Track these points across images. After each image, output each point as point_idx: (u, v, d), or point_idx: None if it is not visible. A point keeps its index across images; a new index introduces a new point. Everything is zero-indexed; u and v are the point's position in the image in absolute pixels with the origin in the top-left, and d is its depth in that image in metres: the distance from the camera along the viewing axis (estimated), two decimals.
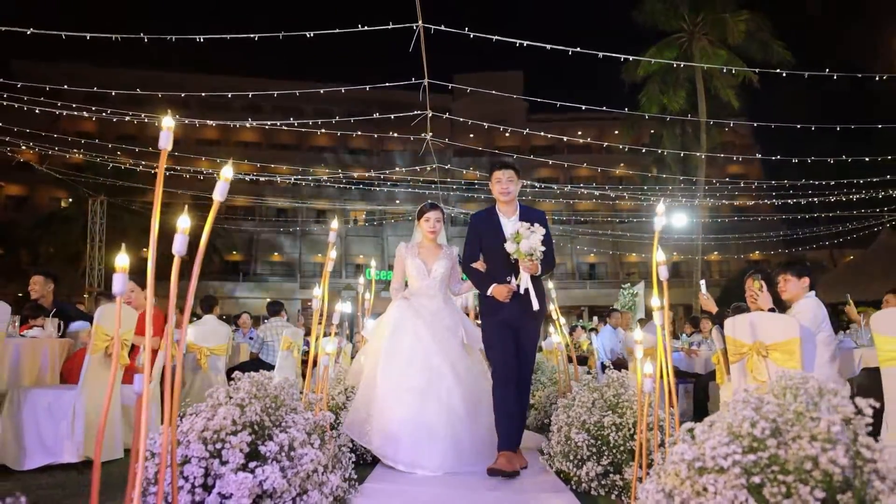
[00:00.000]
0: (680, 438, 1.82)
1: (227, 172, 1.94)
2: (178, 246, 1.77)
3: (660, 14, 19.67)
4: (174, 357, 2.25)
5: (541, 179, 31.77)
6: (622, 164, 31.03)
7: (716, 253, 31.49)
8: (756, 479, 1.39)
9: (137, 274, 3.22)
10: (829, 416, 1.36)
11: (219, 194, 1.93)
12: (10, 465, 3.28)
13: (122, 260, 1.72)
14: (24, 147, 14.26)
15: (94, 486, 1.53)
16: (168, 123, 1.86)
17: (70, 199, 27.14)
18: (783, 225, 26.75)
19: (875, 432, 2.72)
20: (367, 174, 25.94)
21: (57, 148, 14.43)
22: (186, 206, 1.95)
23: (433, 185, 20.50)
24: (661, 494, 1.72)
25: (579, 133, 35.26)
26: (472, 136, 31.97)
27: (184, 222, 1.80)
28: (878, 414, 2.95)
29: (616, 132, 28.25)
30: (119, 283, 1.68)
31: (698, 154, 19.03)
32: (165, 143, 1.86)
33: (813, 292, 3.45)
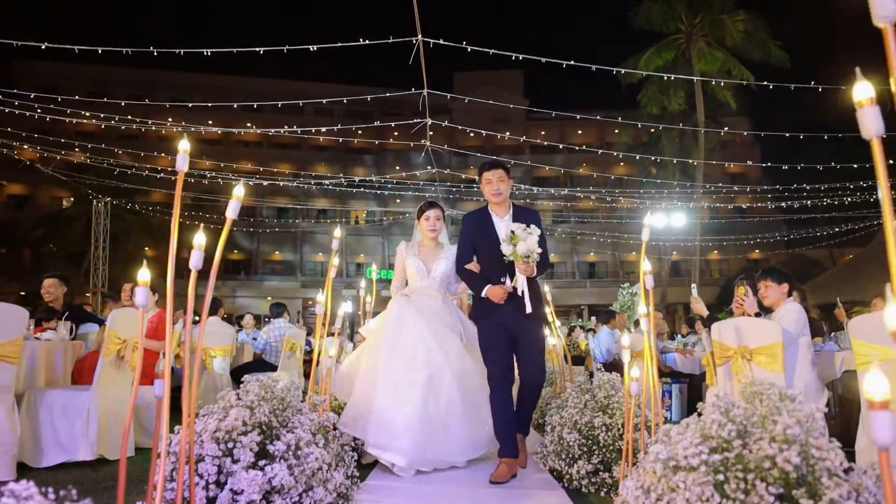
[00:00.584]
0: (660, 439, 1.97)
1: (238, 192, 2.06)
2: (195, 261, 1.89)
3: (657, 16, 19.73)
4: (190, 359, 2.39)
5: (540, 179, 31.90)
6: (622, 164, 31.12)
7: (715, 252, 31.63)
8: (721, 477, 1.54)
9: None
10: (785, 420, 1.51)
11: (231, 212, 2.06)
12: (28, 462, 3.44)
13: (144, 275, 1.86)
14: (27, 147, 14.38)
15: (121, 484, 1.67)
16: (184, 146, 1.97)
17: (72, 199, 27.26)
18: (782, 225, 26.91)
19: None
20: (368, 177, 26.08)
21: (64, 152, 14.56)
22: (202, 225, 2.07)
23: (433, 187, 20.66)
24: (640, 491, 1.87)
25: (580, 132, 35.36)
26: (471, 134, 32.03)
27: (199, 239, 1.93)
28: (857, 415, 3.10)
29: (616, 131, 28.35)
30: (141, 296, 1.82)
31: (692, 161, 19.18)
32: (182, 164, 1.97)
33: (792, 297, 3.59)
